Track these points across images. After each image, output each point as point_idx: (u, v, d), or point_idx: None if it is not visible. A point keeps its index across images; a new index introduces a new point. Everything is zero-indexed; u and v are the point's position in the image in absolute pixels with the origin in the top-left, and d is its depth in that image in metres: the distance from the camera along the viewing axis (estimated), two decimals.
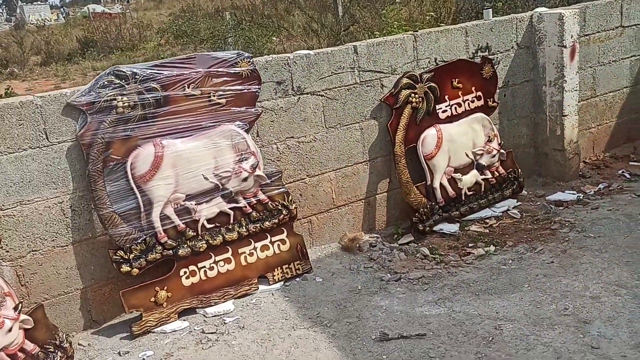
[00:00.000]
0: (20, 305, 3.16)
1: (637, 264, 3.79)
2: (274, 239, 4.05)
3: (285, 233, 4.09)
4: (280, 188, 4.08)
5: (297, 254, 4.12)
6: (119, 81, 3.55)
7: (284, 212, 4.05)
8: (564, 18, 5.03)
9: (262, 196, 4.00)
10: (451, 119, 4.78)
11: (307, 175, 4.40)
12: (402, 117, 4.53)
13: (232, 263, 3.91)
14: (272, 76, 4.13)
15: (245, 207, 3.95)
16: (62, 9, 44.87)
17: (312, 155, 4.39)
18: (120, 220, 3.57)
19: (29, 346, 3.18)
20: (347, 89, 4.45)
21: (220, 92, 3.85)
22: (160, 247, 3.68)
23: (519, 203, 5.03)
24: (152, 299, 3.64)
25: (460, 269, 4.05)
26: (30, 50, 20.27)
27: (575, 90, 5.24)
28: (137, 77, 3.59)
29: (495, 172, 4.99)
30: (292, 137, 4.29)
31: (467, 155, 4.81)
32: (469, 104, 4.87)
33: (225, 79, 3.86)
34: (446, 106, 4.75)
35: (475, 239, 4.51)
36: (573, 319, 3.29)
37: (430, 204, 4.64)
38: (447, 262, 4.18)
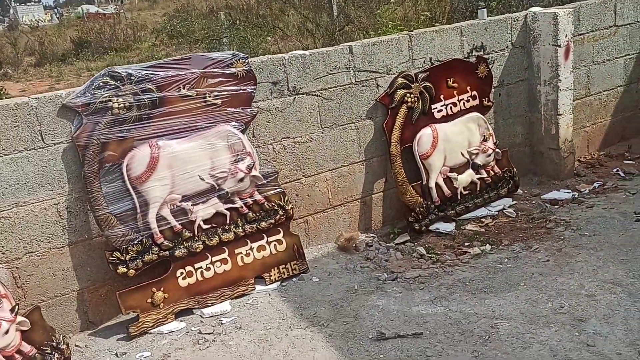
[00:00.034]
0: (16, 307, 3.15)
1: (631, 262, 3.81)
2: (270, 239, 4.06)
3: (281, 233, 4.09)
4: (276, 188, 4.09)
5: (294, 254, 4.13)
6: (114, 82, 3.54)
7: (280, 212, 4.06)
8: (558, 17, 5.06)
9: (258, 196, 4.00)
10: (447, 118, 4.79)
11: (303, 176, 4.40)
12: (397, 117, 4.54)
13: (229, 263, 3.91)
14: (268, 76, 4.13)
15: (242, 207, 3.95)
16: (55, 10, 44.72)
17: (308, 156, 4.40)
18: (116, 222, 3.56)
19: (26, 348, 3.17)
20: (343, 89, 4.46)
21: (216, 93, 3.85)
22: (156, 248, 3.68)
23: (515, 202, 5.05)
24: (149, 300, 3.64)
25: (456, 268, 4.06)
26: (24, 51, 20.20)
27: (570, 89, 5.26)
28: (132, 78, 3.58)
29: (491, 171, 5.00)
30: (288, 137, 4.30)
31: (462, 155, 4.82)
32: (464, 103, 4.88)
33: (220, 79, 3.87)
34: (441, 106, 4.77)
35: (471, 238, 4.52)
36: (569, 317, 3.31)
37: (426, 203, 4.65)
38: (443, 261, 4.19)
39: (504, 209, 4.93)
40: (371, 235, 4.67)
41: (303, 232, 4.43)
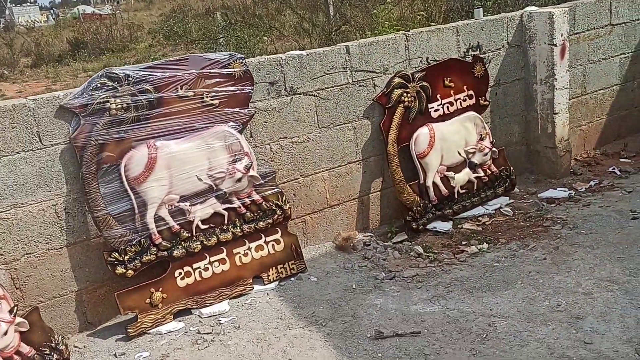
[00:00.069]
0: (15, 308, 3.16)
1: (628, 260, 3.83)
2: (268, 239, 4.06)
3: (279, 233, 4.10)
4: (274, 188, 4.10)
5: (292, 253, 4.13)
6: (111, 83, 3.54)
7: (278, 212, 4.07)
8: (553, 17, 5.07)
9: (256, 196, 4.01)
10: (443, 117, 4.80)
11: (300, 175, 4.41)
12: (394, 117, 4.55)
13: (227, 263, 3.92)
14: (265, 77, 4.14)
15: (240, 207, 3.96)
16: (51, 10, 44.64)
17: (306, 155, 4.41)
18: (114, 222, 3.57)
19: (25, 349, 3.17)
20: (340, 89, 4.47)
21: (213, 93, 3.86)
22: (154, 249, 3.68)
23: (511, 201, 5.06)
24: (148, 300, 3.65)
25: (453, 267, 4.08)
26: (20, 52, 20.15)
27: (566, 88, 5.28)
28: (129, 79, 3.59)
29: (488, 170, 5.02)
30: (286, 137, 4.31)
31: (459, 154, 4.84)
32: (460, 102, 4.89)
33: (218, 80, 3.87)
34: (438, 105, 4.78)
35: (469, 236, 4.54)
36: (566, 315, 3.33)
37: (424, 202, 4.67)
38: (441, 260, 4.20)
39: (500, 207, 4.95)
40: (369, 234, 4.68)
41: (301, 232, 4.44)
